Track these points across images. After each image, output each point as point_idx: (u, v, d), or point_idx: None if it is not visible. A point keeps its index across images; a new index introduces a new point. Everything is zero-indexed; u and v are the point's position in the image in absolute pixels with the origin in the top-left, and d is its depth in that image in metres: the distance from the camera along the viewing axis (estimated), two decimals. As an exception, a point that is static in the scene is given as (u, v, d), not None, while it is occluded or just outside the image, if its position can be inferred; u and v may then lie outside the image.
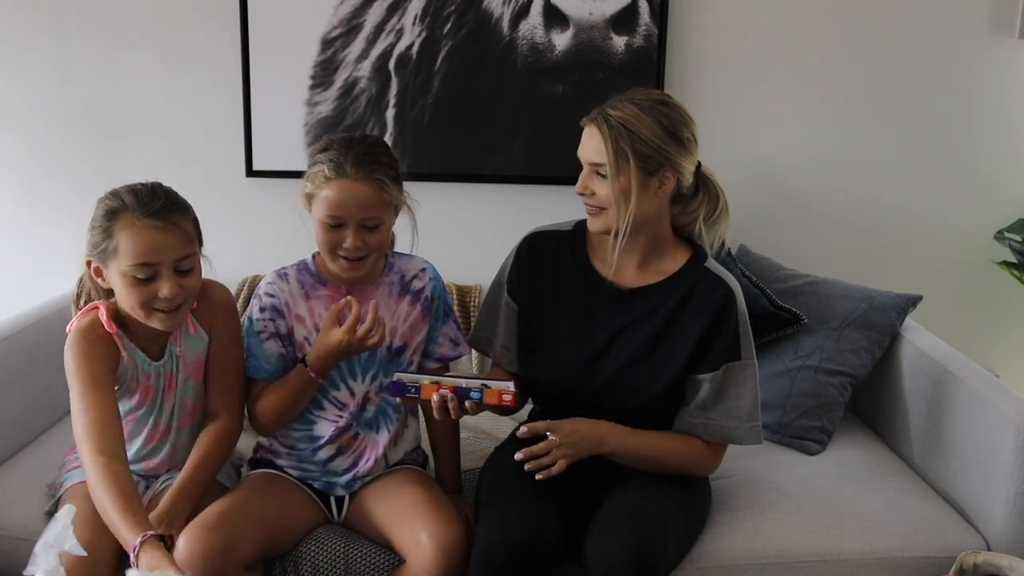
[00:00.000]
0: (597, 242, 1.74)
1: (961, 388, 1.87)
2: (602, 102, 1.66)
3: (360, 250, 1.64)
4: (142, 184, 1.61)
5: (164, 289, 1.55)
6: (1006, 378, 2.40)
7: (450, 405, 1.58)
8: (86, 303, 1.68)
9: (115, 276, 1.57)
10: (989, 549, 1.74)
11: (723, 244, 1.75)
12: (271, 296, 1.74)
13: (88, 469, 1.51)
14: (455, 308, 2.39)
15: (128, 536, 1.44)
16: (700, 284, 1.68)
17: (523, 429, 1.60)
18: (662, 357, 1.67)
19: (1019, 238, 2.41)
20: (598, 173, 1.62)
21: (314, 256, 1.77)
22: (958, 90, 2.45)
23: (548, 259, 1.76)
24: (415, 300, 1.77)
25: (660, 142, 1.60)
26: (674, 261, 1.71)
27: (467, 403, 1.58)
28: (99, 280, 1.61)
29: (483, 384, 1.59)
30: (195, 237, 1.62)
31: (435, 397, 1.57)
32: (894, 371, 2.15)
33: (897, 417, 2.12)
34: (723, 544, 1.72)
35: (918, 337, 2.14)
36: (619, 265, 1.70)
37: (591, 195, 1.64)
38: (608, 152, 1.59)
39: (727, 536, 1.73)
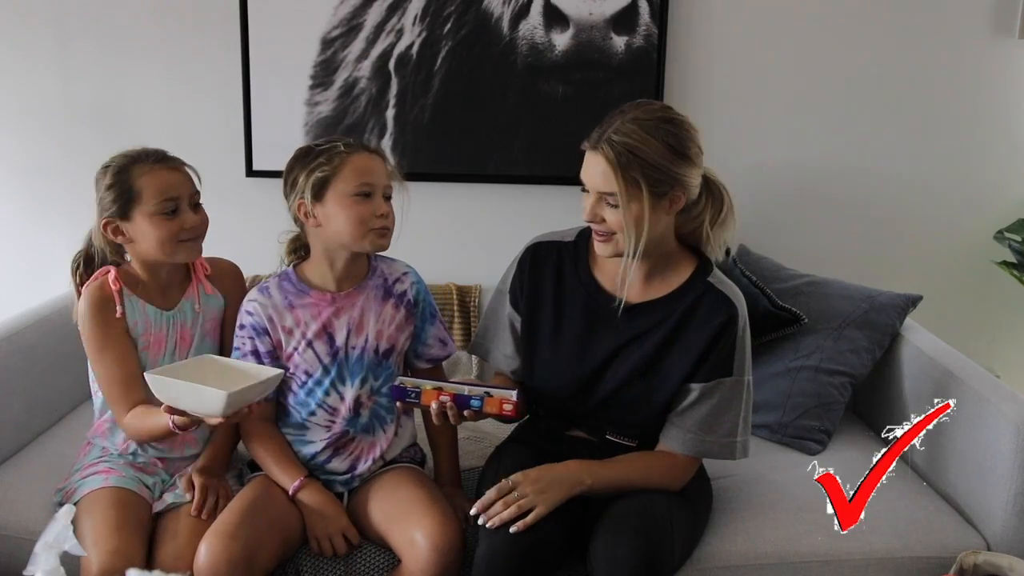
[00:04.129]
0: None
1: (961, 388, 1.87)
2: (602, 109, 1.59)
3: (387, 217, 1.70)
4: (129, 149, 1.74)
5: (188, 219, 1.71)
6: (1006, 378, 2.40)
7: (449, 413, 1.57)
8: (86, 272, 1.78)
9: (140, 221, 1.70)
10: (989, 549, 1.74)
11: (728, 251, 1.70)
12: (250, 314, 1.75)
13: (125, 423, 1.70)
14: (455, 310, 2.40)
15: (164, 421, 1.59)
16: (703, 300, 1.64)
17: (480, 504, 1.55)
18: (661, 374, 1.65)
19: (1019, 238, 2.41)
20: (607, 201, 1.57)
21: (294, 267, 1.78)
22: (958, 90, 2.45)
23: (550, 271, 1.73)
24: (399, 303, 1.78)
25: (670, 164, 1.54)
26: (678, 274, 1.67)
27: (466, 412, 1.57)
28: (118, 238, 1.72)
29: (485, 392, 1.58)
30: (196, 181, 1.77)
31: (434, 405, 1.57)
32: (894, 371, 2.15)
33: (897, 417, 2.11)
34: (723, 544, 1.71)
35: (918, 337, 2.14)
36: (622, 279, 1.67)
37: (601, 222, 1.59)
38: (619, 182, 1.53)
39: (727, 536, 1.73)
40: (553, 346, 1.71)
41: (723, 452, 1.66)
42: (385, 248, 1.74)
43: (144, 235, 1.70)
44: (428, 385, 1.60)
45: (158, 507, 1.72)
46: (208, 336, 1.82)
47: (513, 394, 1.58)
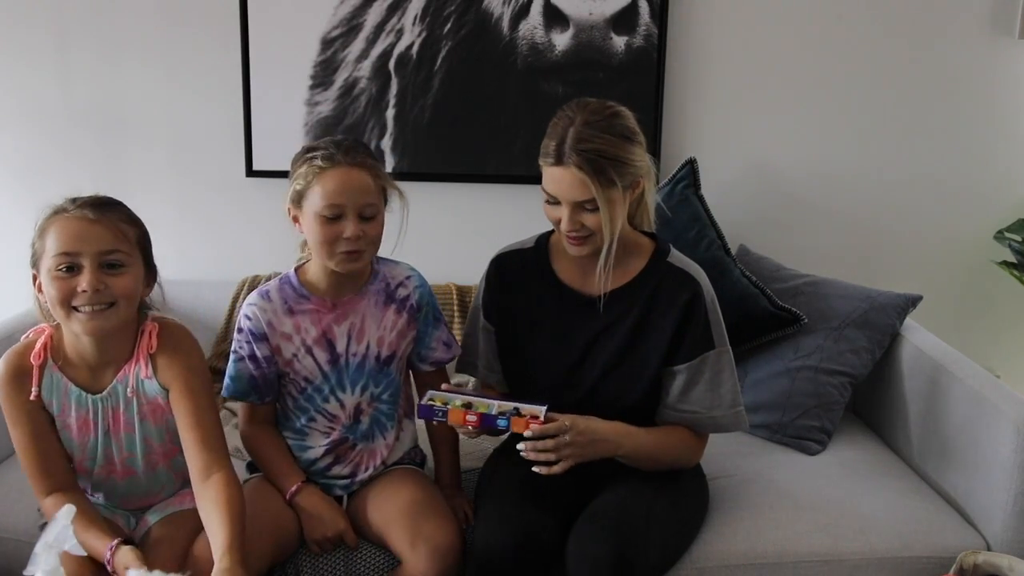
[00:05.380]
0: (562, 254, 1.74)
1: (961, 388, 1.87)
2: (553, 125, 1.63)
3: (360, 240, 1.62)
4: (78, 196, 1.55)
5: (83, 282, 1.46)
6: (1006, 378, 2.40)
7: (474, 436, 1.58)
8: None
9: (44, 278, 1.50)
10: (989, 549, 1.74)
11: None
12: (249, 319, 1.72)
13: (43, 507, 1.57)
14: (455, 310, 2.39)
15: (100, 548, 1.49)
16: (666, 280, 1.68)
17: (533, 428, 1.53)
18: (639, 358, 1.67)
19: (1019, 238, 2.41)
20: (585, 208, 1.59)
21: (296, 270, 1.76)
22: (958, 90, 2.45)
23: (516, 278, 1.76)
24: (401, 308, 1.77)
25: (630, 155, 1.59)
26: (638, 259, 1.71)
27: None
28: (40, 296, 1.53)
29: (514, 408, 1.57)
30: (134, 241, 1.53)
31: (459, 431, 1.58)
32: (894, 371, 2.15)
33: (897, 417, 2.12)
34: (723, 544, 1.72)
35: (918, 337, 2.14)
36: (586, 273, 1.70)
37: (581, 228, 1.61)
38: (597, 188, 1.56)
39: (727, 536, 1.73)
40: (531, 349, 1.73)
41: (734, 424, 1.69)
42: (357, 270, 1.70)
43: (46, 293, 1.50)
44: (457, 402, 1.58)
45: (139, 534, 1.65)
46: (148, 419, 1.60)
47: (542, 411, 1.57)
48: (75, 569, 1.48)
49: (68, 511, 1.35)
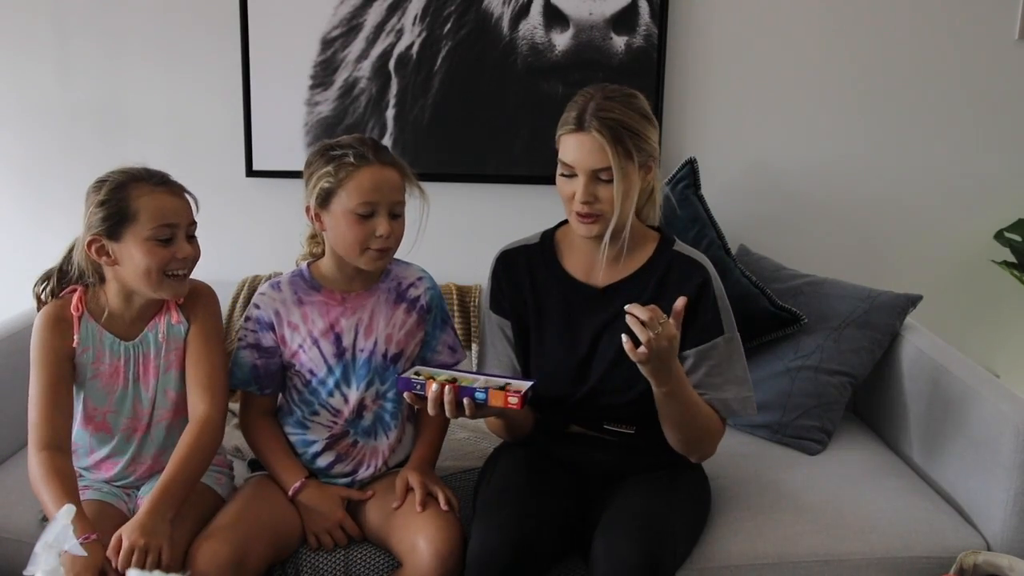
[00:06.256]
0: (568, 247, 1.75)
1: (961, 388, 1.87)
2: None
3: (391, 237, 1.66)
4: (129, 166, 1.68)
5: (182, 250, 1.64)
6: (1006, 378, 2.40)
7: (446, 398, 1.52)
8: (58, 285, 1.73)
9: (131, 245, 1.62)
10: (989, 549, 1.74)
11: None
12: (257, 307, 1.75)
13: (30, 461, 1.62)
14: (455, 310, 2.40)
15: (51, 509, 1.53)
16: (674, 267, 1.69)
17: (632, 307, 1.47)
18: None
19: (1019, 238, 2.41)
20: (599, 178, 1.60)
21: (309, 264, 1.78)
22: (958, 90, 2.45)
23: (523, 272, 1.76)
24: (411, 308, 1.78)
25: (647, 132, 1.61)
26: (644, 249, 1.72)
27: (465, 400, 1.53)
28: (102, 258, 1.65)
29: (506, 383, 1.55)
30: (194, 209, 1.70)
31: (434, 387, 1.53)
32: (894, 371, 2.15)
33: (897, 417, 2.12)
34: (723, 544, 1.71)
35: (918, 337, 2.14)
36: (593, 264, 1.71)
37: (594, 202, 1.61)
38: (614, 155, 1.57)
39: (727, 536, 1.73)
40: (541, 342, 1.73)
41: (743, 408, 1.68)
42: (381, 269, 1.74)
43: (132, 260, 1.63)
44: (443, 376, 1.57)
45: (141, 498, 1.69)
46: (173, 367, 1.73)
47: (526, 385, 1.55)
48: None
49: (68, 511, 1.35)
